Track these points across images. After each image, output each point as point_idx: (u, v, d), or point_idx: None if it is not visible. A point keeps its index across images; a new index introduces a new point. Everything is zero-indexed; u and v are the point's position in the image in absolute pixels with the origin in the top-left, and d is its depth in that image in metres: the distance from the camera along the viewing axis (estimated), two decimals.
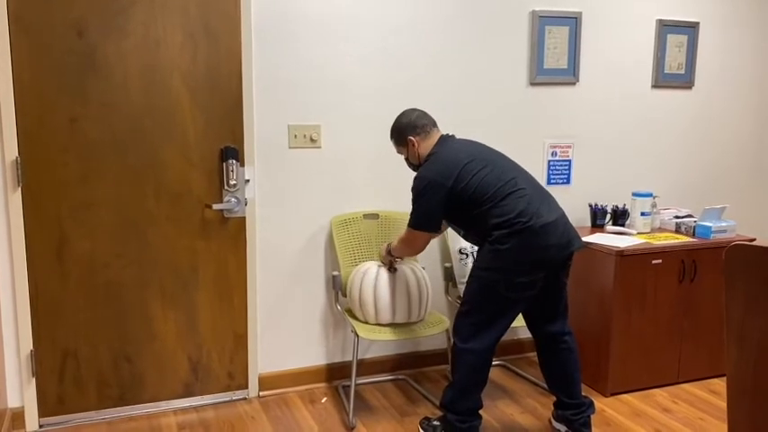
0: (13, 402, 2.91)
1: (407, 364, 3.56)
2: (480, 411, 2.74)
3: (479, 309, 2.64)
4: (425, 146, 2.80)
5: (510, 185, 2.61)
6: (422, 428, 2.86)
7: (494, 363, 3.69)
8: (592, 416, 2.83)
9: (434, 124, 2.84)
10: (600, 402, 3.23)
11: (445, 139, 2.79)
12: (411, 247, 2.82)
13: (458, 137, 2.86)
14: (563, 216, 2.66)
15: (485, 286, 2.61)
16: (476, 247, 3.36)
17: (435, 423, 2.82)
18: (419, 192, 2.69)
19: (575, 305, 3.45)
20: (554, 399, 2.89)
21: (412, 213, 2.73)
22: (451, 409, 2.70)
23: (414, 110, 2.87)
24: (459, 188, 2.62)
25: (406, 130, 2.82)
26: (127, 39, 2.84)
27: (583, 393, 2.83)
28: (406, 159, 2.90)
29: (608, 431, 2.97)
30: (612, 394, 3.29)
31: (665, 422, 3.05)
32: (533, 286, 2.61)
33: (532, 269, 2.57)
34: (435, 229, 2.74)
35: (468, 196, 2.61)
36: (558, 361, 2.79)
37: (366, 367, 3.47)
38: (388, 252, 2.96)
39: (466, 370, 2.67)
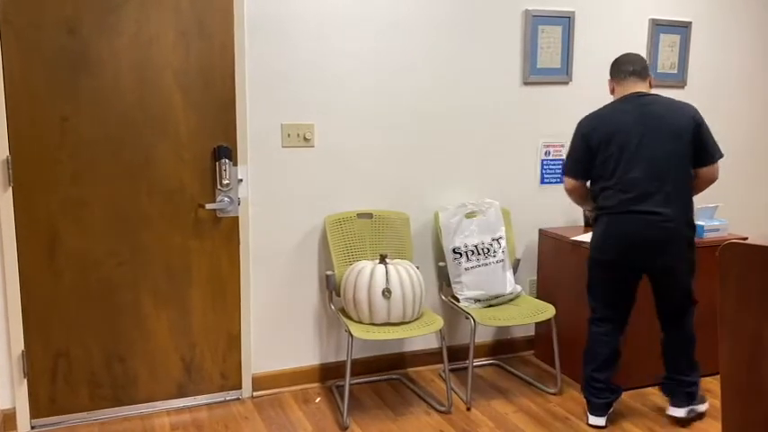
0: (4, 404, 2.89)
1: (401, 364, 3.56)
2: (612, 385, 2.98)
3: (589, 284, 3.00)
4: (618, 92, 2.91)
5: (621, 181, 2.77)
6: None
7: (487, 362, 3.69)
8: (692, 390, 3.00)
9: (639, 75, 2.86)
10: None
11: (635, 97, 2.84)
12: (567, 193, 3.04)
13: (643, 103, 2.84)
14: (657, 231, 2.77)
15: (588, 264, 2.97)
16: (470, 248, 3.37)
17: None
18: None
19: (568, 303, 3.46)
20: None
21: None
22: (585, 370, 2.99)
23: (632, 54, 2.93)
24: (595, 149, 2.83)
25: (611, 68, 2.95)
26: (119, 37, 2.83)
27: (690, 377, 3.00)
28: None
29: (602, 429, 2.97)
30: None
31: (659, 421, 3.06)
32: (614, 269, 2.86)
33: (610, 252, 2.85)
34: (576, 176, 2.91)
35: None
36: (667, 340, 3.02)
37: (360, 367, 3.46)
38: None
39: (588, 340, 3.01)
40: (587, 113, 2.93)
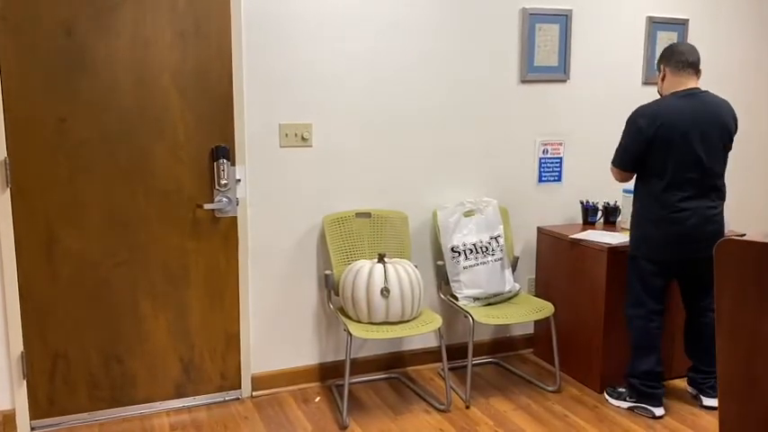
0: (3, 405, 2.89)
1: (400, 363, 3.56)
2: (663, 382, 3.08)
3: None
4: (671, 82, 2.91)
5: (682, 180, 2.84)
6: (607, 394, 3.21)
7: (486, 360, 3.70)
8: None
9: (694, 68, 2.88)
10: (592, 399, 3.24)
11: (692, 94, 2.87)
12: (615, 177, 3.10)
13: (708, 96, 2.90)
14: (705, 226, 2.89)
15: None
16: (468, 246, 3.37)
17: (621, 390, 3.17)
18: (624, 127, 2.95)
19: (567, 301, 3.46)
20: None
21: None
22: (632, 374, 3.09)
23: (689, 44, 2.94)
24: (651, 146, 2.85)
25: (666, 54, 2.92)
26: (116, 37, 2.82)
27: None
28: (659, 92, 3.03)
29: (601, 428, 2.98)
30: (605, 390, 3.30)
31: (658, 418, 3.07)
32: (665, 264, 2.96)
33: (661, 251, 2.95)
34: (628, 168, 2.96)
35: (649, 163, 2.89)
36: (697, 331, 3.14)
37: (359, 366, 3.46)
38: None
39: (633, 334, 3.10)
40: (642, 105, 2.93)
